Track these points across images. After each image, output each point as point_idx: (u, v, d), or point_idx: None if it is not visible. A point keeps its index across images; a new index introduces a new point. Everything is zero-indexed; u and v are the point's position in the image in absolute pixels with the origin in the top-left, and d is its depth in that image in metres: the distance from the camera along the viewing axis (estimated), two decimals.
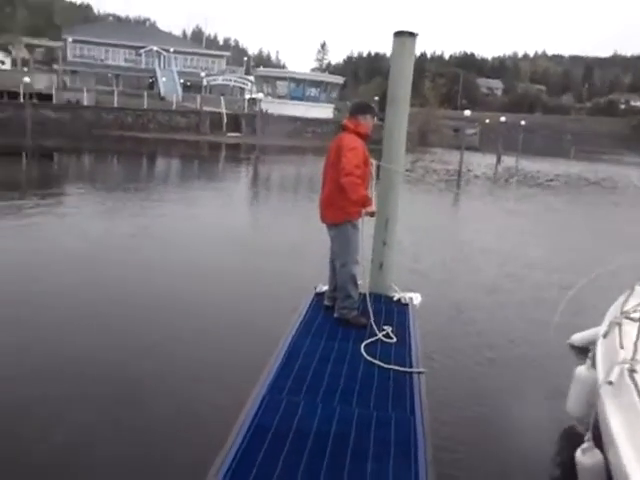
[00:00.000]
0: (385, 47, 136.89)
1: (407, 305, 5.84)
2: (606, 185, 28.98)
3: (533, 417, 5.09)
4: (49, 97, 38.68)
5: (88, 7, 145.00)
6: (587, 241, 13.22)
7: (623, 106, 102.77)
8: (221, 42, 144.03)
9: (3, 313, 6.61)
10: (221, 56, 72.14)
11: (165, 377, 5.35)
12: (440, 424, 4.38)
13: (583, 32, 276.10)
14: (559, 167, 37.73)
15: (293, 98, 48.32)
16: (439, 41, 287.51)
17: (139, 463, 4.13)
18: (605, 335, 4.44)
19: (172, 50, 64.22)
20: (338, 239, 5.18)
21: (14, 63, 56.90)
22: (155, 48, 63.56)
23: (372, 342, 4.79)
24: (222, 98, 44.17)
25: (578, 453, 3.64)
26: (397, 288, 6.07)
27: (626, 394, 3.39)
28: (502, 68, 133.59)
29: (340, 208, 5.00)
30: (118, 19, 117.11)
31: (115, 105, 39.81)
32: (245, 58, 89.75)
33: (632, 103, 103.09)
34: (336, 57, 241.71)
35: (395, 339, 4.91)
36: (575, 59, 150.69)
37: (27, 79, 31.89)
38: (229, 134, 39.45)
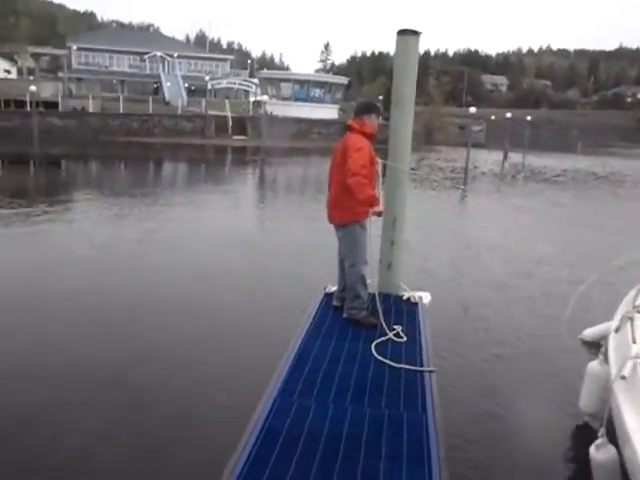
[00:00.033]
0: (389, 46, 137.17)
1: (417, 304, 5.82)
2: (614, 179, 28.83)
3: (546, 413, 5.07)
4: (55, 105, 38.92)
5: (92, 14, 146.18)
6: (595, 236, 13.14)
7: (629, 99, 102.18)
8: (225, 46, 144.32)
9: (11, 320, 6.66)
10: (225, 60, 72.40)
11: (172, 380, 5.37)
12: (451, 422, 4.36)
13: (588, 25, 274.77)
14: (566, 162, 37.56)
15: (297, 99, 48.36)
16: (443, 38, 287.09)
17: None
18: (617, 330, 4.41)
19: (176, 55, 64.53)
20: (346, 239, 5.18)
21: (20, 72, 57.35)
22: (159, 53, 63.88)
23: (382, 342, 4.78)
24: (227, 101, 44.27)
25: (592, 449, 3.62)
26: (406, 287, 6.06)
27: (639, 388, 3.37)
28: (507, 64, 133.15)
29: (347, 208, 5.00)
30: (122, 25, 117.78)
31: (121, 111, 40.01)
32: (249, 61, 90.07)
33: (639, 96, 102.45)
34: (340, 57, 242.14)
35: (405, 338, 4.90)
36: (580, 53, 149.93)
37: (33, 88, 32.06)
38: (235, 137, 39.54)
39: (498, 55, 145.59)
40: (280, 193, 20.95)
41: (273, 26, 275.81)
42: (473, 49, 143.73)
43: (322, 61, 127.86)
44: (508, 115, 40.50)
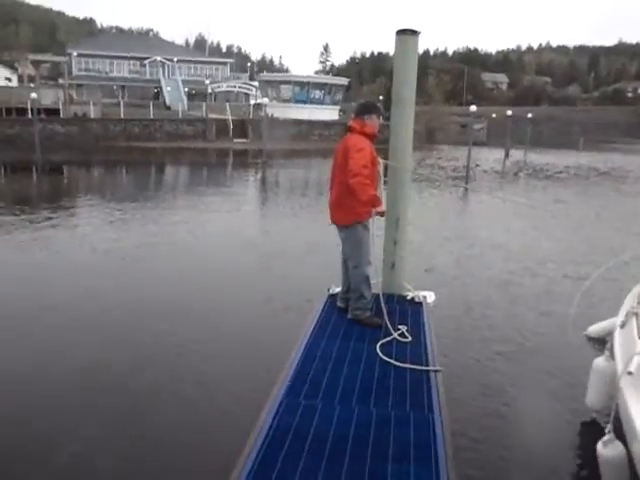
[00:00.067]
0: (388, 46, 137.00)
1: (421, 304, 5.82)
2: (616, 175, 28.78)
3: (554, 410, 5.06)
4: (56, 112, 39.03)
5: (91, 21, 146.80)
6: (599, 233, 13.12)
7: (630, 94, 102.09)
8: (224, 49, 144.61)
9: (14, 325, 6.69)
10: (224, 63, 72.53)
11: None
12: (457, 421, 4.36)
13: (587, 21, 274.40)
14: (568, 159, 37.54)
15: (298, 101, 48.44)
16: (442, 38, 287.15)
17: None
18: (622, 325, 4.41)
19: (176, 59, 64.68)
20: (349, 240, 5.18)
21: (21, 80, 57.54)
22: (159, 58, 64.04)
23: (387, 342, 4.78)
24: (227, 105, 44.36)
25: (599, 446, 3.61)
26: (410, 287, 6.06)
27: None
28: (506, 62, 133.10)
29: (349, 209, 5.00)
30: (121, 31, 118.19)
31: (122, 116, 40.12)
32: (249, 64, 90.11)
33: (639, 91, 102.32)
34: (339, 58, 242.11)
35: (410, 338, 4.89)
36: (580, 49, 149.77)
37: (34, 95, 32.17)
38: (236, 140, 39.59)
39: (498, 53, 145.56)
40: (283, 195, 20.94)
41: (272, 28, 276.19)
42: (472, 47, 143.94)
43: (322, 62, 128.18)
44: (509, 113, 40.46)
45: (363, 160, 4.82)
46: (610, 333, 4.76)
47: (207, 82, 53.13)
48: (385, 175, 5.39)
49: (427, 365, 4.40)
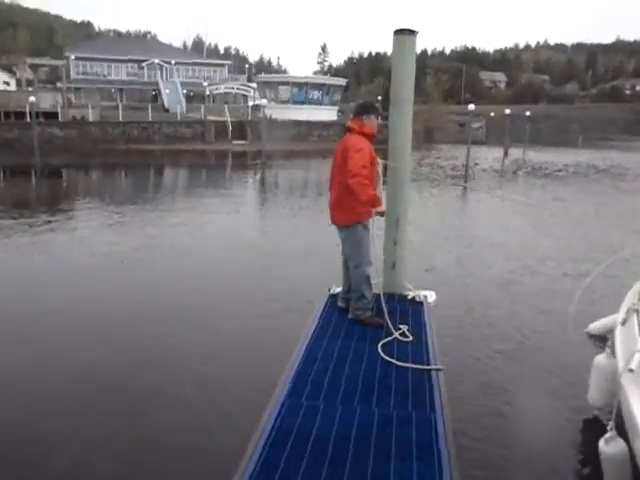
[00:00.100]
0: (386, 46, 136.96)
1: (421, 303, 5.82)
2: (615, 172, 28.78)
3: (555, 408, 5.06)
4: (55, 115, 39.00)
5: (89, 24, 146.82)
6: (598, 230, 13.13)
7: (628, 91, 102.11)
8: (222, 51, 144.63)
9: (12, 329, 6.69)
10: (222, 65, 72.50)
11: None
12: (458, 421, 4.36)
13: (584, 19, 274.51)
14: (567, 157, 37.54)
15: (296, 102, 48.43)
16: (439, 37, 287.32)
17: None
18: (623, 322, 4.41)
19: (174, 62, 64.65)
20: (349, 240, 5.18)
21: (19, 83, 57.45)
22: (157, 61, 64.03)
23: (389, 341, 4.79)
24: (226, 106, 44.32)
25: (601, 443, 3.61)
26: (411, 286, 6.06)
27: None
28: (504, 60, 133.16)
29: (349, 209, 5.01)
30: (119, 34, 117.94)
31: (120, 119, 40.07)
32: (246, 65, 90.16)
33: (637, 88, 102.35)
34: (337, 59, 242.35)
35: (411, 337, 4.90)
36: (578, 47, 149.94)
37: (32, 98, 32.15)
38: (235, 142, 39.57)
39: (495, 52, 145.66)
40: (282, 196, 20.94)
41: (270, 30, 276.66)
42: (470, 46, 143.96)
43: (319, 63, 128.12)
44: (507, 111, 40.47)
45: (362, 160, 4.82)
46: (611, 330, 4.76)
47: (205, 84, 53.02)
48: (384, 175, 5.40)
49: (428, 364, 4.41)
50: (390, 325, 4.98)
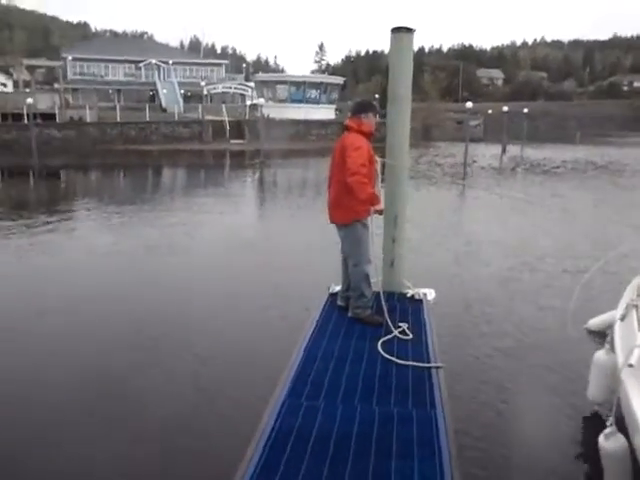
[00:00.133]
0: (383, 45, 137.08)
1: (421, 301, 5.83)
2: (613, 168, 28.80)
3: (554, 404, 5.07)
4: (52, 116, 38.99)
5: (85, 25, 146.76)
6: (597, 226, 13.13)
7: (626, 88, 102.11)
8: (219, 50, 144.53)
9: (11, 329, 6.69)
10: (220, 64, 72.47)
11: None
12: (457, 419, 4.36)
13: (581, 15, 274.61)
14: (565, 153, 37.55)
15: (294, 101, 48.43)
16: (437, 35, 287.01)
17: None
18: (622, 318, 4.41)
19: (171, 62, 64.63)
20: (348, 239, 5.18)
21: (16, 85, 57.43)
22: (154, 61, 64.00)
23: (388, 340, 4.79)
24: (223, 106, 44.31)
25: (601, 438, 3.61)
26: (410, 284, 6.07)
27: None
28: (501, 58, 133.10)
29: (348, 208, 5.01)
30: (115, 34, 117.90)
31: (118, 120, 40.08)
32: (244, 65, 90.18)
33: (635, 84, 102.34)
34: (335, 57, 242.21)
35: (411, 335, 4.90)
36: (575, 43, 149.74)
37: (30, 100, 32.15)
38: (232, 141, 39.57)
39: (493, 49, 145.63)
40: (281, 195, 20.94)
41: (267, 29, 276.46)
42: (467, 44, 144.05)
43: (317, 62, 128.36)
44: (505, 109, 40.50)
45: (361, 159, 4.83)
46: (610, 326, 4.76)
47: (203, 84, 52.94)
48: (382, 173, 5.40)
49: (429, 362, 4.41)
50: (390, 323, 4.99)
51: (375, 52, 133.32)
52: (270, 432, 3.42)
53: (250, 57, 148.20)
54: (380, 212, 5.17)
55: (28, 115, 33.01)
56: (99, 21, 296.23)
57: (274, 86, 50.71)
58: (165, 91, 56.71)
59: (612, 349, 4.32)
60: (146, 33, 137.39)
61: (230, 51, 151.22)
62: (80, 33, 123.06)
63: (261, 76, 57.28)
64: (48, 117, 38.29)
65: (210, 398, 5.16)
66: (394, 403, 3.81)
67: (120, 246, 11.13)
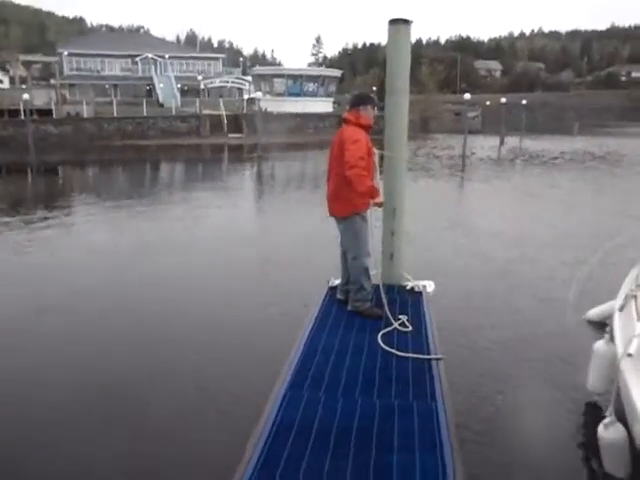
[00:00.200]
0: (380, 37, 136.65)
1: (420, 293, 5.84)
2: (611, 159, 28.78)
3: (554, 396, 5.08)
4: (49, 112, 38.87)
5: (81, 20, 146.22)
6: (596, 217, 13.14)
7: (624, 78, 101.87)
8: (215, 44, 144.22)
9: (11, 329, 6.69)
10: (216, 58, 72.25)
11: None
12: (457, 414, 4.36)
13: (578, 5, 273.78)
14: (564, 144, 37.50)
15: (291, 95, 48.29)
16: (434, 26, 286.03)
17: None
18: (621, 308, 4.43)
19: (167, 56, 64.38)
20: (347, 232, 5.19)
21: (12, 81, 57.28)
22: (150, 55, 63.74)
23: (388, 332, 4.80)
24: (221, 100, 44.20)
25: (600, 428, 3.63)
26: (409, 277, 6.07)
27: None
28: (499, 49, 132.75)
29: (347, 201, 5.01)
30: (111, 29, 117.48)
31: (115, 115, 39.99)
32: (241, 59, 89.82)
33: (633, 74, 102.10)
34: (332, 50, 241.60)
35: (411, 327, 4.91)
36: (572, 34, 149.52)
37: (26, 96, 31.99)
38: (230, 135, 39.48)
39: (490, 40, 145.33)
40: (279, 188, 20.92)
41: (263, 22, 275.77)
42: (465, 35, 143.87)
43: (314, 55, 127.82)
44: (503, 100, 40.40)
45: (359, 151, 4.82)
46: (610, 316, 4.77)
47: (200, 78, 52.75)
48: (381, 165, 5.39)
49: (429, 354, 4.43)
50: (390, 316, 5.00)
51: (372, 44, 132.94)
52: (271, 426, 3.43)
53: (247, 51, 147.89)
54: (379, 205, 5.16)
55: (24, 111, 32.93)
56: (95, 16, 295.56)
57: (271, 80, 50.56)
58: (162, 86, 56.51)
59: (612, 339, 4.33)
60: (142, 27, 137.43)
61: (227, 45, 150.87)
62: (76, 28, 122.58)
63: (258, 70, 57.04)
64: (45, 113, 38.17)
65: (210, 396, 5.15)
66: (395, 395, 3.82)
67: (118, 242, 11.11)
